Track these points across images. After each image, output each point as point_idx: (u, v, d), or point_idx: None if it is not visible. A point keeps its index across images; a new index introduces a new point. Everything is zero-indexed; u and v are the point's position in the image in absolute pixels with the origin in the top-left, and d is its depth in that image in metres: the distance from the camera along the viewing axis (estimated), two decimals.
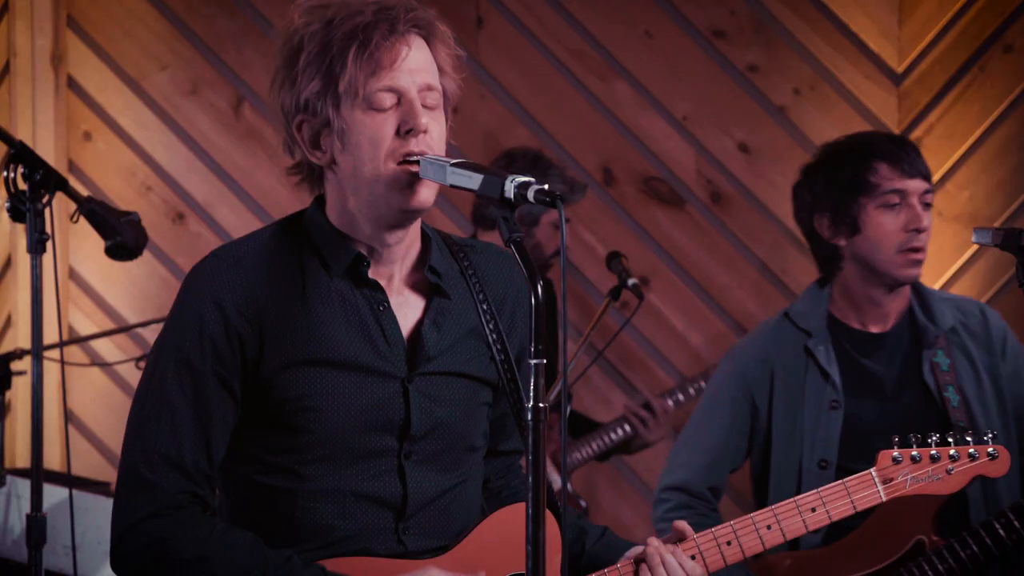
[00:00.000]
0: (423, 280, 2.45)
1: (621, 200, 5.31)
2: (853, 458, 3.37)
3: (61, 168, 5.25)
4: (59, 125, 5.32)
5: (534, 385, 2.07)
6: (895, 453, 2.79)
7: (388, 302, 2.41)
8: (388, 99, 2.32)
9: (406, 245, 2.43)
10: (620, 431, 4.75)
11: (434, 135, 2.35)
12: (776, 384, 3.52)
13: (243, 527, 2.38)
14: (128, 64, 5.38)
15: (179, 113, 5.39)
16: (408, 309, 2.44)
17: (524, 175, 2.20)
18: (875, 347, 3.53)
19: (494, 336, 2.47)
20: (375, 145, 2.32)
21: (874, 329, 3.55)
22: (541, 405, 2.08)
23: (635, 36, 5.29)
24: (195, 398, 2.33)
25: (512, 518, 2.46)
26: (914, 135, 5.11)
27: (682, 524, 2.58)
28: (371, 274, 2.40)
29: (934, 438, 2.82)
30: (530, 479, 2.07)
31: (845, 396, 3.48)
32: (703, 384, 4.71)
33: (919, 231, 3.45)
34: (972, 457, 2.84)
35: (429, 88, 2.35)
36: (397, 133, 2.32)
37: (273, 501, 2.39)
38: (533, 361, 2.08)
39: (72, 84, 5.38)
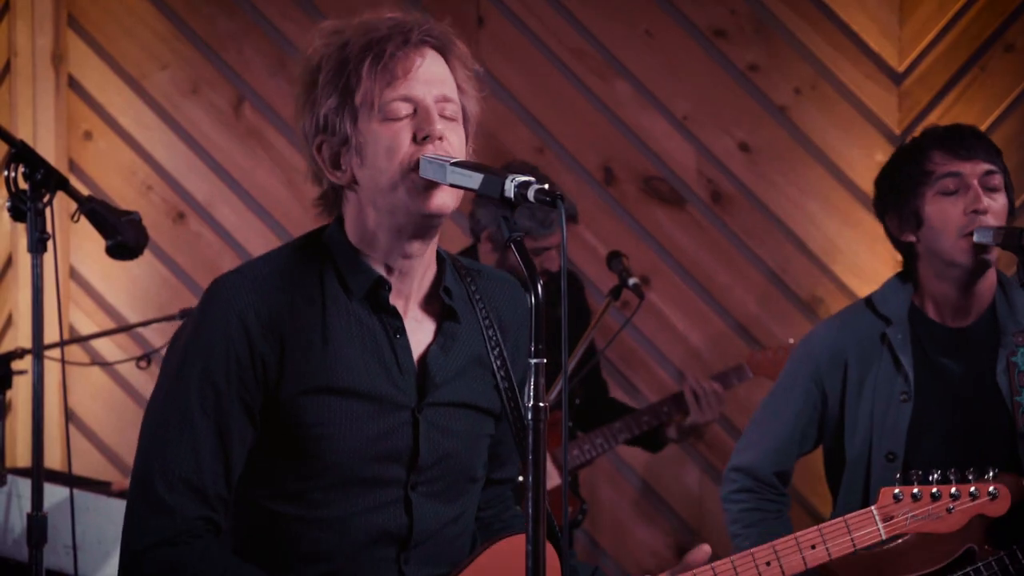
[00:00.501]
0: (436, 303, 2.44)
1: (622, 199, 5.31)
2: (920, 454, 3.33)
3: (62, 167, 5.25)
4: (60, 124, 5.32)
5: (534, 384, 2.07)
6: (896, 491, 2.80)
7: (404, 329, 2.39)
8: (403, 108, 2.32)
9: (424, 262, 2.41)
10: (661, 414, 4.76)
11: (453, 143, 2.34)
12: (849, 373, 3.46)
13: (245, 549, 2.38)
14: (128, 63, 5.38)
15: (179, 112, 5.39)
16: (420, 333, 2.42)
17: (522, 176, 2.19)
18: (952, 343, 3.44)
19: (499, 363, 2.46)
20: (392, 153, 2.30)
21: (953, 324, 3.44)
22: (541, 405, 2.07)
23: (635, 35, 5.29)
24: (217, 420, 2.32)
25: (511, 550, 2.44)
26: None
27: (705, 548, 2.56)
28: (390, 298, 2.39)
29: (935, 476, 2.82)
30: (531, 479, 2.07)
31: (916, 390, 3.41)
32: (751, 374, 4.77)
33: (979, 212, 3.31)
34: (973, 496, 2.84)
35: (446, 99, 2.36)
36: (414, 140, 2.31)
37: (278, 526, 2.38)
38: (533, 361, 2.07)
39: (73, 83, 5.38)
